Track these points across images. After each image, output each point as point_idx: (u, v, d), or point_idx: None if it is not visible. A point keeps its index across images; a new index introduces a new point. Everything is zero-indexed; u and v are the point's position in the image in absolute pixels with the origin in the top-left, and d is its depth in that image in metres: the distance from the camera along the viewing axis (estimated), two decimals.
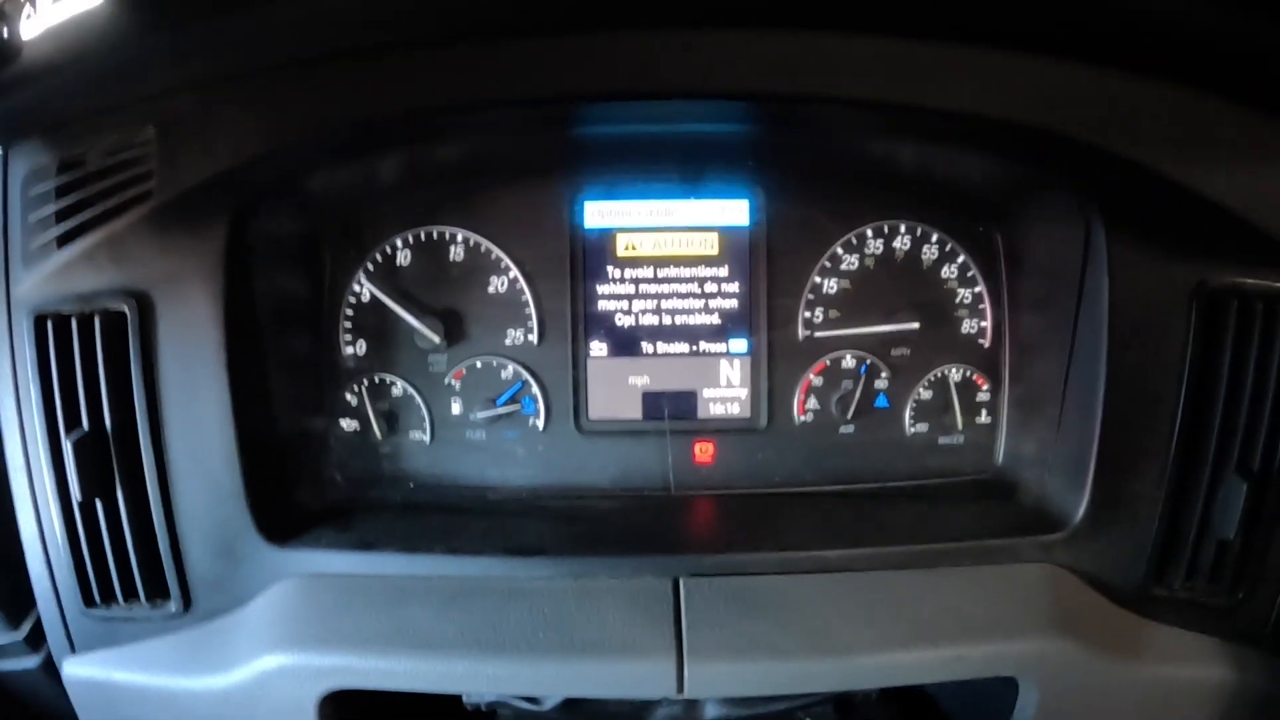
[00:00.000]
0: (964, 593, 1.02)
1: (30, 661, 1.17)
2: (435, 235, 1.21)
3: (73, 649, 1.10)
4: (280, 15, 0.94)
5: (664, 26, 0.94)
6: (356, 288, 1.21)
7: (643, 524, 1.15)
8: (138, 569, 1.06)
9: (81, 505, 1.03)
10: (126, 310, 1.00)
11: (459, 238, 1.21)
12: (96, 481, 1.02)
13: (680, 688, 0.96)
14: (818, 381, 1.24)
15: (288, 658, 1.00)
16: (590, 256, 1.22)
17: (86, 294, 1.01)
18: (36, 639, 1.15)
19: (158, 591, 1.07)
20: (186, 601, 1.07)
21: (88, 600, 1.07)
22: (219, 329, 1.03)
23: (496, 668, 0.97)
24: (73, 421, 1.01)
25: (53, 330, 1.00)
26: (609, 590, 1.02)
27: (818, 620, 0.99)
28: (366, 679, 0.99)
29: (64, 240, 1.01)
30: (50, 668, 1.14)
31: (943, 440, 1.25)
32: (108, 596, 1.07)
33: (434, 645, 0.98)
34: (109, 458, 1.03)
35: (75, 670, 1.09)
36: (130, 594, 1.07)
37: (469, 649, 0.98)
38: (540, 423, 1.24)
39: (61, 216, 1.00)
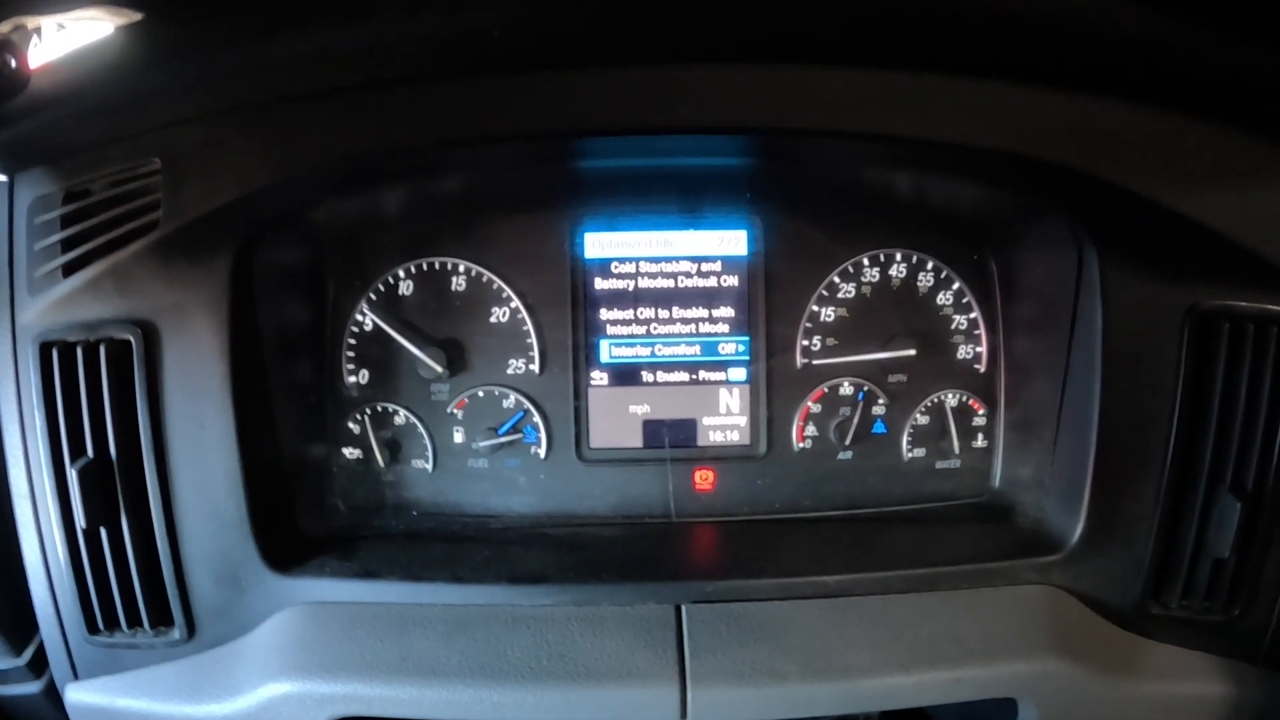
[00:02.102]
0: (962, 615, 1.03)
1: (33, 687, 1.17)
2: (437, 266, 1.22)
3: (75, 675, 1.10)
4: (285, 50, 0.96)
5: (663, 62, 0.95)
6: (359, 317, 1.22)
7: (644, 551, 1.16)
8: (141, 596, 1.06)
9: (86, 532, 1.04)
10: (131, 339, 1.01)
11: (461, 268, 1.22)
12: (101, 509, 1.03)
13: (684, 714, 0.97)
14: (816, 409, 1.25)
15: (292, 685, 1.00)
16: (591, 287, 1.24)
17: (92, 322, 1.02)
18: (39, 665, 1.15)
19: (161, 619, 1.07)
20: (190, 629, 1.07)
21: (91, 627, 1.07)
22: (223, 358, 1.04)
23: (500, 695, 0.98)
24: (77, 449, 1.02)
25: (58, 358, 1.01)
26: (612, 617, 1.02)
27: (819, 644, 1.00)
28: (370, 707, 0.99)
29: (69, 269, 1.01)
30: (53, 694, 1.14)
31: (940, 465, 1.26)
32: (111, 623, 1.08)
33: (438, 673, 0.99)
34: (113, 485, 1.03)
35: (78, 697, 1.10)
36: (134, 621, 1.07)
37: (473, 677, 0.98)
38: (542, 451, 1.25)
39: (67, 246, 1.01)
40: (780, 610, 1.03)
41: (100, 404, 1.02)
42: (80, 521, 1.02)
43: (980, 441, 1.26)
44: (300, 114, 0.99)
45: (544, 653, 1.00)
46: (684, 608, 1.02)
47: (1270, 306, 1.01)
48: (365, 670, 1.00)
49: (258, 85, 0.99)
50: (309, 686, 1.00)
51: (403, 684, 0.99)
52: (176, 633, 1.07)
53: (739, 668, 0.98)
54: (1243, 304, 1.02)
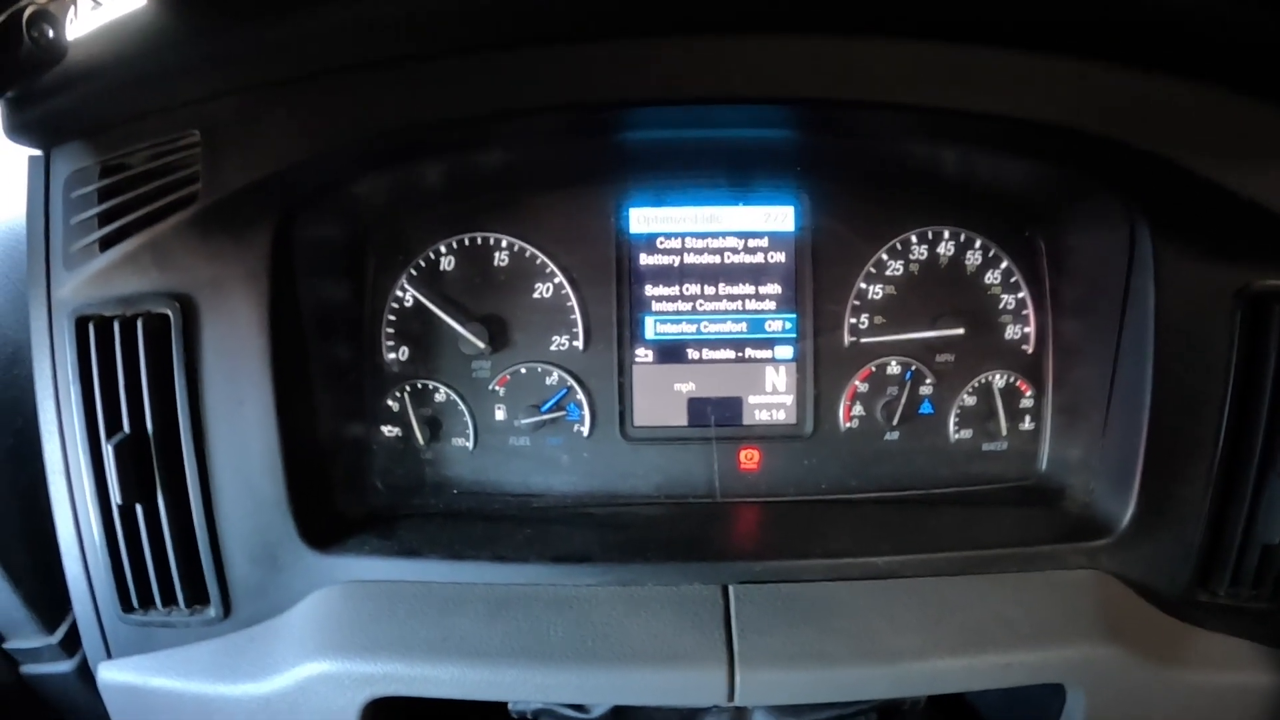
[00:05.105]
0: (1011, 599, 1.03)
1: (65, 665, 1.19)
2: (480, 241, 1.23)
3: (109, 654, 1.11)
4: (324, 21, 0.96)
5: (713, 32, 0.95)
6: (400, 293, 1.23)
7: (690, 531, 1.17)
8: (177, 574, 1.06)
9: (121, 509, 1.04)
10: (170, 314, 1.01)
11: (504, 244, 1.23)
12: (137, 485, 1.03)
13: (731, 695, 0.97)
14: (863, 388, 1.26)
15: (330, 665, 1.01)
16: (636, 262, 1.24)
17: (129, 296, 1.02)
18: (72, 643, 1.17)
19: (197, 597, 1.08)
20: (226, 608, 1.08)
21: (125, 605, 1.08)
22: (263, 334, 1.04)
23: (544, 676, 0.98)
24: (114, 425, 1.02)
25: (94, 333, 1.01)
26: (657, 597, 1.03)
27: (867, 627, 1.00)
28: (410, 687, 1.00)
29: (107, 243, 1.02)
30: (85, 672, 1.16)
31: (986, 447, 1.27)
32: (146, 601, 1.08)
33: (480, 653, 0.99)
34: (150, 462, 1.03)
35: (111, 675, 1.10)
36: (169, 599, 1.08)
37: (516, 657, 0.98)
38: (585, 429, 1.25)
39: (104, 219, 1.02)
40: (828, 591, 1.03)
41: (137, 379, 1.02)
42: (116, 498, 1.02)
43: (1028, 423, 1.26)
44: (340, 86, 1.00)
45: (588, 633, 1.00)
46: (731, 588, 1.03)
47: None
48: (405, 650, 1.00)
49: (297, 57, 1.00)
50: (347, 666, 1.00)
51: (443, 664, 0.99)
52: (212, 611, 1.08)
53: (787, 649, 0.98)
54: None
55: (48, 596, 1.16)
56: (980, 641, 1.00)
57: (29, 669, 1.21)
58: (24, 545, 1.15)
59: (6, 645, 1.20)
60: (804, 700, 1.03)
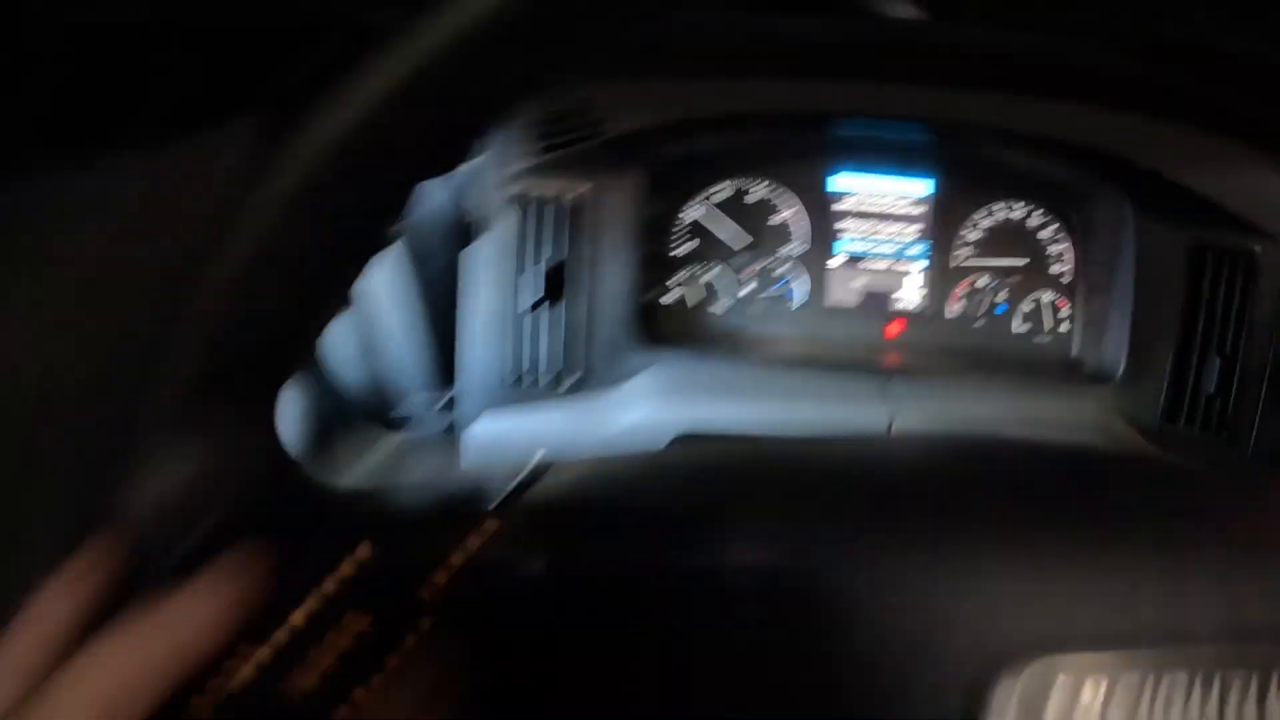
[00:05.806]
0: (1049, 406, 1.46)
1: (442, 421, 1.50)
2: (744, 185, 1.64)
3: (480, 414, 1.43)
4: (700, 30, 1.26)
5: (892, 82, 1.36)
6: (695, 210, 1.65)
7: (864, 356, 1.59)
8: (564, 357, 1.47)
9: (519, 315, 1.42)
10: (570, 205, 1.42)
11: (760, 185, 1.64)
12: (540, 298, 1.41)
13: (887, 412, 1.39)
14: (964, 290, 1.67)
15: (652, 411, 1.42)
16: (835, 204, 1.66)
17: (548, 193, 1.43)
18: (452, 406, 1.47)
19: (559, 377, 1.47)
20: (578, 381, 1.48)
21: (504, 379, 1.44)
22: (624, 228, 1.48)
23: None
24: (525, 265, 1.41)
25: (528, 211, 1.42)
26: (845, 375, 1.50)
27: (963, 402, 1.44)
28: (711, 419, 1.39)
29: (538, 153, 1.41)
30: (459, 428, 1.43)
31: (1037, 339, 1.66)
32: (521, 378, 1.46)
33: (747, 397, 1.47)
34: (545, 289, 1.40)
35: (477, 430, 1.42)
36: (540, 375, 1.46)
37: (756, 399, 1.47)
38: (799, 301, 1.68)
39: (536, 143, 1.41)
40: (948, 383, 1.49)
41: (556, 241, 1.42)
42: (522, 306, 1.42)
43: (1064, 327, 1.64)
44: (696, 80, 1.39)
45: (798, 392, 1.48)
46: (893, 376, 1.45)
47: (1242, 244, 1.33)
48: (703, 396, 1.46)
49: (663, 55, 1.30)
50: (663, 407, 1.42)
51: (730, 404, 1.45)
52: (569, 382, 1.47)
53: (928, 393, 1.47)
54: (1226, 243, 1.35)
55: (440, 371, 1.49)
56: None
57: (411, 432, 1.50)
58: (435, 339, 1.48)
59: (396, 411, 1.51)
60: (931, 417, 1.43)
